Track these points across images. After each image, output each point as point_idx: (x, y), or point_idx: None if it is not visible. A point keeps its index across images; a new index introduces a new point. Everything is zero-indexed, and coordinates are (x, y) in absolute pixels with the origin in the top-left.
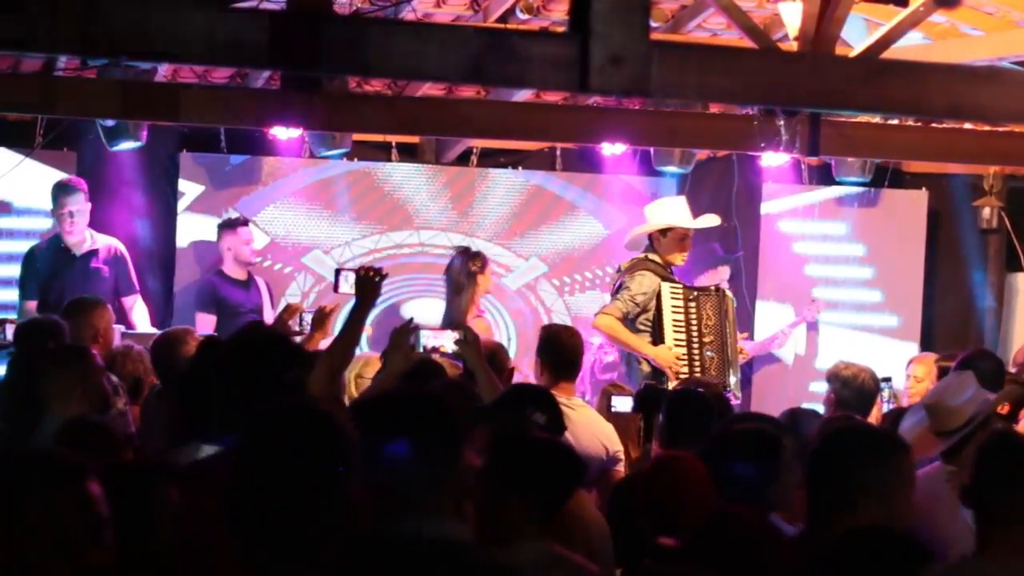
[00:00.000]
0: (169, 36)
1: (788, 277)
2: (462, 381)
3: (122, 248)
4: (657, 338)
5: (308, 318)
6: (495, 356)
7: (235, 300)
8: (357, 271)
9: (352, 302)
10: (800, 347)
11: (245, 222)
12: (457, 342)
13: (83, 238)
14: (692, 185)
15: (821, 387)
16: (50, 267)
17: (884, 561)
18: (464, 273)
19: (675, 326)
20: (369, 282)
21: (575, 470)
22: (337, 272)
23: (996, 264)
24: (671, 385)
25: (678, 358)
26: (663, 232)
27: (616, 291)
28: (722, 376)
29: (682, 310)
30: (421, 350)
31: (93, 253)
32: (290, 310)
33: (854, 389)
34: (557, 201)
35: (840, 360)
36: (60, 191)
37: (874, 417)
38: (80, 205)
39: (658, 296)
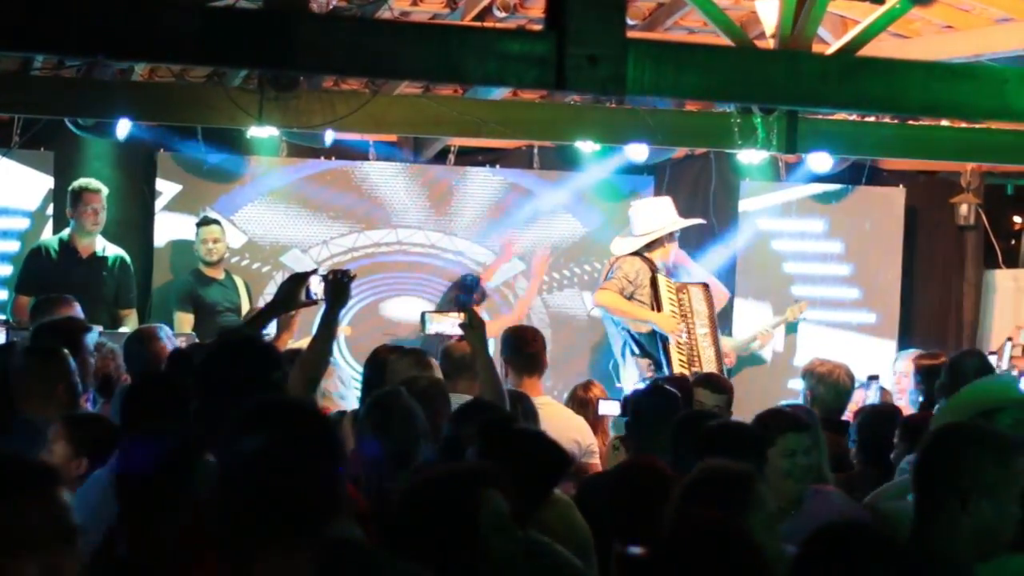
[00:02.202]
0: (146, 35)
1: (766, 275)
2: None
3: (128, 260)
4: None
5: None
6: None
7: (212, 299)
8: (326, 275)
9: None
10: (778, 345)
11: (206, 222)
12: (462, 326)
13: (94, 241)
14: (670, 183)
15: (799, 384)
16: (55, 266)
17: (855, 558)
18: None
19: (672, 317)
20: (339, 285)
21: (559, 460)
22: (306, 279)
23: (973, 261)
24: (675, 355)
25: (678, 344)
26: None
27: (607, 277)
28: (719, 367)
29: (676, 302)
30: (428, 334)
31: (102, 260)
32: (253, 312)
33: (829, 386)
34: (535, 199)
35: (816, 357)
36: (84, 190)
37: (850, 413)
38: (102, 204)
39: (654, 285)
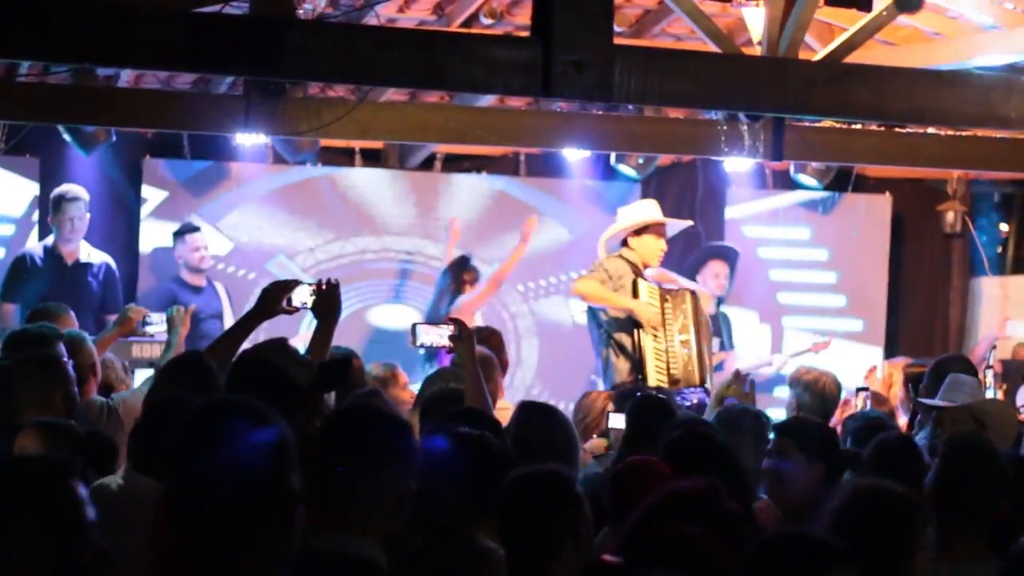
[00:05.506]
0: (132, 42)
1: (752, 282)
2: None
3: (114, 266)
4: (637, 326)
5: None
6: (483, 364)
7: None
8: (315, 286)
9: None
10: (764, 353)
11: (193, 229)
12: (451, 337)
13: (77, 247)
14: (656, 190)
15: (786, 392)
16: (41, 273)
17: (797, 564)
18: (457, 281)
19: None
20: (329, 295)
21: (501, 465)
22: (288, 289)
23: (960, 268)
24: (651, 361)
25: (656, 350)
26: (638, 232)
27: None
28: (702, 373)
29: (658, 310)
30: (418, 346)
31: (86, 266)
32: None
33: (815, 394)
34: (521, 206)
35: (802, 365)
36: (63, 199)
37: (837, 421)
38: (81, 213)
39: (635, 288)
